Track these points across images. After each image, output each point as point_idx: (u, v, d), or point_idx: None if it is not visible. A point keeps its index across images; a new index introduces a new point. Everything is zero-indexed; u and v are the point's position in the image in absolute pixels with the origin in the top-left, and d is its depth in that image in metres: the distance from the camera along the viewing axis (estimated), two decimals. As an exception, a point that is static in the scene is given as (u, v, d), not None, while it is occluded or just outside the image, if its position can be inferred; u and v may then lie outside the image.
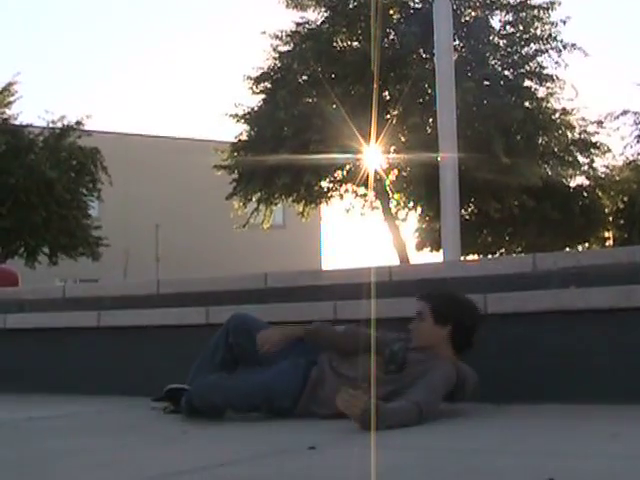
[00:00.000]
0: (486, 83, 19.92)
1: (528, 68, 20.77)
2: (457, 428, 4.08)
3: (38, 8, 58.21)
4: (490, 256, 25.48)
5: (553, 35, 20.57)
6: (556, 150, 21.22)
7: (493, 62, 20.50)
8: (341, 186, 22.43)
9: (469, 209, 23.28)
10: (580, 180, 25.06)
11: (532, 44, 20.66)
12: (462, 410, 4.50)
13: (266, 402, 4.42)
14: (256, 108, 21.71)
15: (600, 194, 25.40)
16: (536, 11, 20.64)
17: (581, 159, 22.27)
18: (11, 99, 25.62)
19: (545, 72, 20.74)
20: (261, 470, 3.14)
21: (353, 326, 4.79)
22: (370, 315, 4.87)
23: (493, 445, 3.52)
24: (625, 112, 24.65)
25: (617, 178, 25.87)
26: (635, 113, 25.01)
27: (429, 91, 18.27)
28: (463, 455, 3.29)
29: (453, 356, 4.49)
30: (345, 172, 21.62)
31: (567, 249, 24.28)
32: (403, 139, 20.17)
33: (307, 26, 21.43)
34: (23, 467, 3.29)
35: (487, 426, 4.12)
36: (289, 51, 21.41)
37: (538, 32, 20.62)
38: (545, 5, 20.61)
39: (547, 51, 20.61)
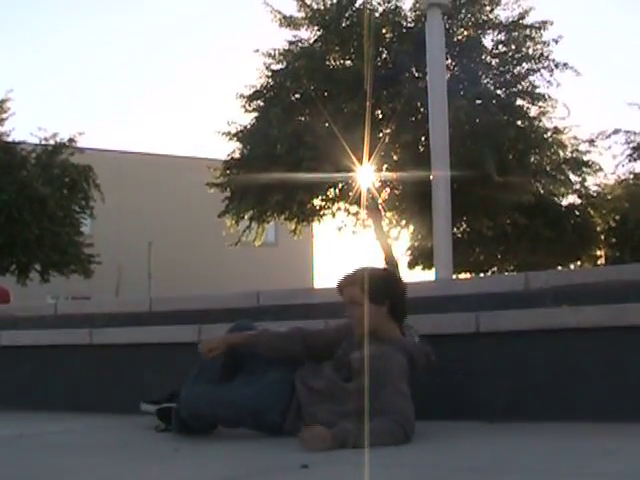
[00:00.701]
0: (478, 102, 19.94)
1: (520, 87, 20.79)
2: (451, 446, 4.08)
3: (32, 24, 58.29)
4: (482, 274, 25.51)
5: (545, 54, 20.60)
6: (548, 169, 21.24)
7: (485, 81, 20.53)
8: (333, 204, 22.41)
9: (461, 227, 23.27)
10: (572, 198, 25.10)
11: (524, 63, 20.69)
12: (456, 428, 4.50)
13: (254, 415, 4.41)
14: (249, 126, 21.68)
15: (592, 212, 25.43)
16: (528, 30, 20.68)
17: (573, 177, 22.29)
18: (4, 116, 25.57)
19: (537, 91, 20.76)
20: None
21: (295, 328, 4.80)
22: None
23: (486, 463, 3.52)
24: (617, 131, 24.75)
25: (609, 197, 25.91)
26: (626, 132, 25.11)
27: (422, 109, 18.27)
28: (457, 473, 3.29)
29: (399, 333, 4.49)
30: (337, 190, 21.60)
31: (559, 267, 24.30)
32: (395, 157, 20.17)
33: (300, 44, 21.43)
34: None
35: (481, 444, 4.12)
36: (282, 69, 21.41)
37: (530, 51, 20.66)
38: (537, 25, 20.66)
39: (539, 70, 20.63)
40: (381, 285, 4.48)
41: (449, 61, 18.80)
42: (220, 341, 4.74)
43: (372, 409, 4.13)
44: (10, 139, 25.52)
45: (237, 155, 21.83)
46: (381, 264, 21.62)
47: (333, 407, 4.32)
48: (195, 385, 4.70)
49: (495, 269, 26.81)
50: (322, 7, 20.88)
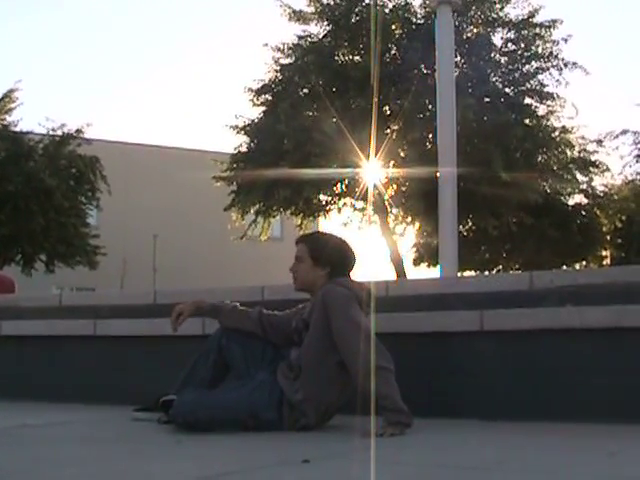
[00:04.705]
0: (487, 100, 19.94)
1: (529, 86, 20.78)
2: (454, 444, 4.08)
3: (41, 15, 58.33)
4: (487, 273, 25.47)
5: (554, 53, 20.58)
6: (555, 168, 21.21)
7: (494, 79, 20.51)
8: (339, 200, 22.42)
9: (467, 225, 23.25)
10: (579, 198, 25.06)
11: (533, 62, 20.67)
12: (458, 425, 4.50)
13: (251, 416, 4.43)
14: (256, 120, 21.70)
15: (598, 213, 25.36)
16: (538, 29, 20.66)
17: (580, 177, 22.28)
18: (12, 106, 25.63)
19: (546, 90, 20.75)
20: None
21: (257, 308, 5.01)
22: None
23: (489, 462, 3.51)
24: (624, 131, 24.72)
25: (615, 197, 25.84)
26: (634, 133, 25.07)
27: (430, 107, 18.26)
28: (459, 472, 3.29)
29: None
30: (344, 186, 21.60)
31: (565, 267, 24.27)
32: (403, 154, 20.16)
33: (309, 39, 21.43)
34: (14, 475, 3.28)
35: (483, 443, 4.12)
36: (291, 64, 21.41)
37: (539, 50, 20.64)
38: (547, 23, 20.64)
39: (548, 69, 20.62)
40: (328, 250, 4.72)
41: (458, 59, 18.81)
42: (186, 305, 4.95)
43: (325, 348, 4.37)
44: (18, 129, 25.56)
45: (244, 149, 21.83)
46: (388, 260, 21.67)
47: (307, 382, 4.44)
48: (187, 390, 4.75)
49: (500, 268, 26.77)
50: (332, 2, 20.90)
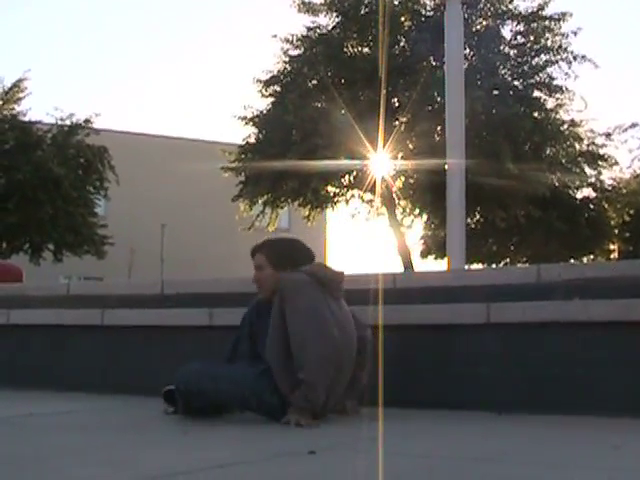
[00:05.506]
0: (495, 92, 19.91)
1: (538, 79, 20.73)
2: (459, 435, 4.08)
3: (51, 5, 58.33)
4: (495, 265, 25.47)
5: (564, 46, 20.53)
6: (564, 161, 21.19)
7: (503, 72, 20.48)
8: (347, 191, 22.41)
9: (475, 218, 23.23)
10: (587, 192, 25.03)
11: (542, 55, 20.63)
12: (465, 417, 4.50)
13: (254, 394, 4.43)
14: (265, 111, 21.70)
15: (606, 206, 25.33)
16: (547, 22, 20.61)
17: (588, 171, 22.27)
18: (21, 95, 25.66)
19: (555, 83, 20.71)
20: (261, 473, 3.14)
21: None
22: (374, 321, 4.89)
23: (494, 454, 3.52)
24: (634, 125, 24.56)
25: (624, 191, 25.80)
26: (644, 126, 24.96)
27: (438, 99, 18.24)
28: (464, 463, 3.29)
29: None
30: (352, 178, 21.59)
31: (572, 260, 24.23)
32: (411, 146, 20.14)
33: (318, 31, 21.42)
34: (22, 463, 3.29)
35: (488, 435, 4.12)
36: (299, 55, 21.40)
37: (549, 43, 20.59)
38: (556, 16, 20.59)
39: (557, 62, 20.57)
40: (284, 252, 4.85)
41: (467, 51, 18.77)
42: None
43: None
44: (26, 119, 25.58)
45: (252, 140, 21.83)
46: (395, 253, 21.67)
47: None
48: (194, 361, 4.81)
49: (508, 260, 26.76)
50: (341, -6, 20.86)
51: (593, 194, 25.27)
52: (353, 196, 22.63)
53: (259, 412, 4.47)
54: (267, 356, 4.48)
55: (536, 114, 20.46)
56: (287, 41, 21.48)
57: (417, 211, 22.60)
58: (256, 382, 4.44)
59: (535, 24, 20.71)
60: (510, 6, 20.90)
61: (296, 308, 4.36)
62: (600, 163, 22.18)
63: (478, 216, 23.12)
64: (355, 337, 4.61)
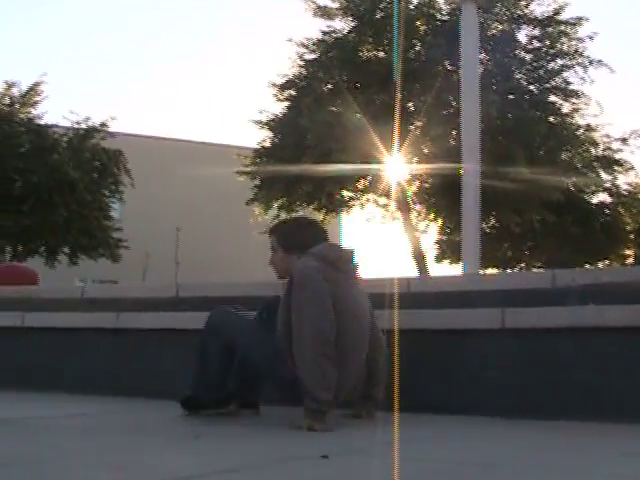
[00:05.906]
0: (511, 97, 19.90)
1: (553, 83, 20.72)
2: (469, 441, 4.06)
3: (67, 9, 58.53)
4: (509, 270, 25.43)
5: (579, 51, 20.52)
6: (579, 166, 21.16)
7: (518, 76, 20.47)
8: (362, 195, 22.43)
9: (490, 222, 23.21)
10: (602, 197, 24.99)
11: (558, 59, 20.62)
12: (475, 423, 4.49)
13: (266, 358, 4.47)
14: (280, 115, 21.74)
15: (622, 211, 25.28)
16: (563, 26, 20.60)
17: (604, 176, 22.23)
18: (37, 99, 25.78)
19: (570, 88, 20.69)
20: (275, 478, 3.12)
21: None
22: (388, 325, 4.88)
23: (503, 460, 3.50)
24: (650, 130, 24.52)
25: (639, 196, 25.75)
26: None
27: (453, 103, 18.25)
28: (474, 469, 3.28)
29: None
30: (367, 182, 21.61)
31: (587, 265, 24.18)
32: (426, 150, 20.15)
33: (333, 35, 21.46)
34: (33, 465, 3.29)
35: (498, 440, 4.11)
36: (315, 59, 21.44)
37: (565, 47, 20.58)
38: (572, 21, 20.58)
39: (573, 67, 20.55)
40: (291, 234, 4.85)
41: (482, 55, 18.75)
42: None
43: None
44: (42, 122, 25.70)
45: (267, 144, 21.87)
46: (410, 257, 21.65)
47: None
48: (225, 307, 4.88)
49: (523, 265, 26.72)
50: (356, -2, 20.89)
51: (608, 199, 25.21)
52: (368, 200, 22.65)
53: (274, 380, 4.51)
54: (278, 336, 4.45)
55: (551, 119, 20.45)
56: (302, 45, 21.53)
57: (432, 215, 22.61)
58: (275, 350, 4.43)
59: (551, 28, 20.70)
60: (526, 10, 20.91)
61: (299, 304, 4.32)
62: (616, 168, 22.14)
63: (493, 221, 23.11)
64: (368, 317, 4.62)
